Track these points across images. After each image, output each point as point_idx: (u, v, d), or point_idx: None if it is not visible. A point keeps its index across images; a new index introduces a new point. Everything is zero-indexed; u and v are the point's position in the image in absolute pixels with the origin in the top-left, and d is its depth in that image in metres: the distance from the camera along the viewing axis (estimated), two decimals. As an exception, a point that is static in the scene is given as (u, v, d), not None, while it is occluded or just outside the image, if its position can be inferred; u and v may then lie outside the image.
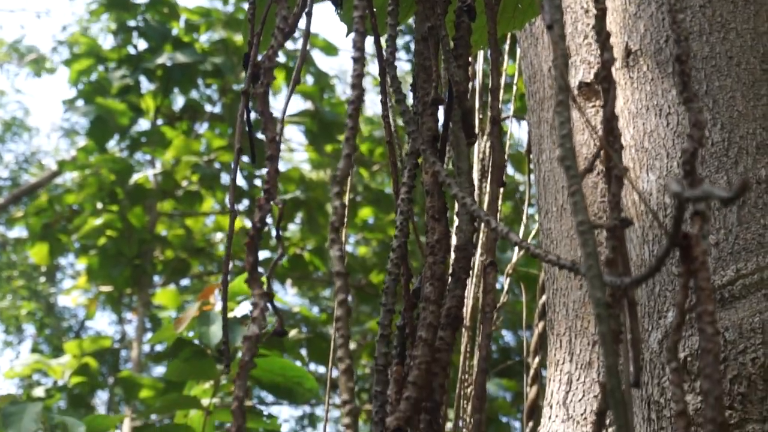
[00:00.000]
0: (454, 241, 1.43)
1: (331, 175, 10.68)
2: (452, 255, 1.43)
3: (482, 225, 1.70)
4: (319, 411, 12.11)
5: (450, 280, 1.41)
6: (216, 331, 4.10)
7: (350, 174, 1.73)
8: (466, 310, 3.04)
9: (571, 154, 1.02)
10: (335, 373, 10.24)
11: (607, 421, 2.49)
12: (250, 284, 1.11)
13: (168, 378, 4.25)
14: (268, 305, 1.09)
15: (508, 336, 11.68)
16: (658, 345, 2.13)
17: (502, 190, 1.56)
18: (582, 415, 2.50)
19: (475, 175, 3.22)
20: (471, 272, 1.42)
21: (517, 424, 10.83)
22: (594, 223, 1.15)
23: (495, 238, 1.40)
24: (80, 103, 10.79)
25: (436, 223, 1.42)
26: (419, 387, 1.32)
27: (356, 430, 0.97)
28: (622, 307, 1.14)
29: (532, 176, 3.93)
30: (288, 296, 12.53)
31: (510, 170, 9.04)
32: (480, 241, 2.66)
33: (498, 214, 1.43)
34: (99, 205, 10.34)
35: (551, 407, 2.60)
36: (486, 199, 2.53)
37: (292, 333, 5.76)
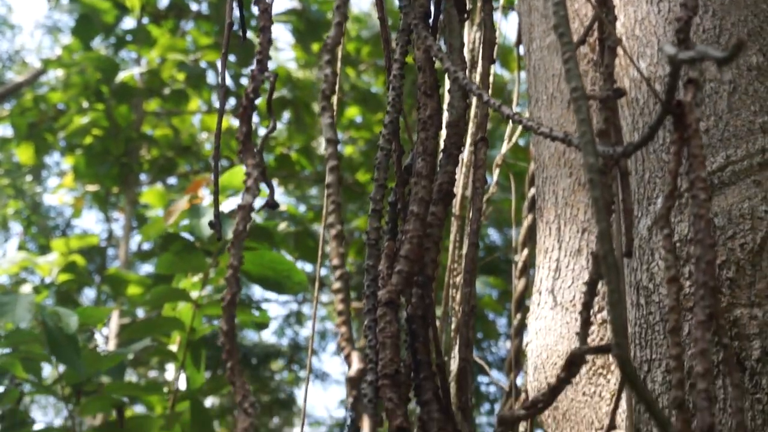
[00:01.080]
0: (446, 117, 1.43)
1: (318, 74, 10.61)
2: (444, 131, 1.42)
3: (474, 102, 1.70)
4: (306, 309, 12.17)
5: (442, 156, 1.41)
6: (206, 225, 4.10)
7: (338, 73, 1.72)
8: (455, 201, 3.04)
9: (564, 22, 1.02)
10: (323, 271, 10.26)
11: (596, 308, 2.50)
12: (243, 155, 1.11)
13: (158, 271, 4.26)
14: (261, 176, 1.09)
15: (494, 235, 11.72)
16: (648, 231, 2.14)
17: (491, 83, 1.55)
18: (571, 301, 2.51)
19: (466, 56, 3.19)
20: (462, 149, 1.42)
21: (503, 321, 10.92)
22: (588, 93, 1.15)
23: (486, 114, 1.39)
24: (65, 0, 10.66)
25: (428, 99, 1.41)
26: (411, 261, 1.32)
27: (347, 295, 0.97)
28: (614, 178, 1.14)
29: (522, 73, 3.91)
30: (275, 195, 12.51)
31: (497, 68, 8.98)
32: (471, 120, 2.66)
33: (489, 90, 1.42)
34: (85, 104, 10.27)
35: (540, 294, 2.61)
36: (477, 77, 2.51)
37: (281, 226, 5.77)
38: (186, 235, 4.21)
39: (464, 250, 3.02)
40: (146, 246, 10.61)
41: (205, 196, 4.44)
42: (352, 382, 0.92)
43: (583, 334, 1.12)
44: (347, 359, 0.92)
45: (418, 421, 1.33)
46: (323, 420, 13.73)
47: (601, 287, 2.47)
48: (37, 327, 3.70)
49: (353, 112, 11.10)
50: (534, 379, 2.56)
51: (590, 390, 2.45)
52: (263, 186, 1.34)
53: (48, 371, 4.22)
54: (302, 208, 11.26)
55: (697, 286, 0.98)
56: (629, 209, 1.13)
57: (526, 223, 3.78)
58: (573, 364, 1.10)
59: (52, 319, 3.60)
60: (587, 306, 1.14)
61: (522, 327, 3.74)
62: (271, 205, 1.32)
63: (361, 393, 1.10)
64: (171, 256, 4.11)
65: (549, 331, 2.54)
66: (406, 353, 1.36)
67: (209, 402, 10.13)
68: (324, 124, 1.03)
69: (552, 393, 1.14)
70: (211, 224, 1.31)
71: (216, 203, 1.31)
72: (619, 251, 1.12)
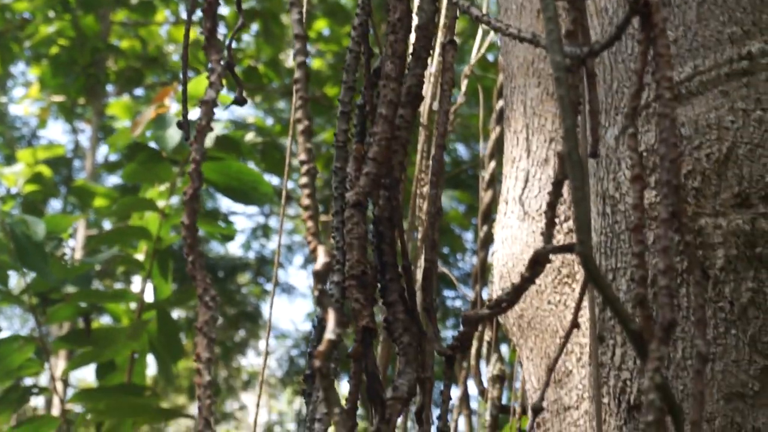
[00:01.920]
0: (415, 21, 1.42)
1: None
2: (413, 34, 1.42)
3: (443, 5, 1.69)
4: (273, 222, 12.18)
5: (411, 58, 1.41)
6: (172, 134, 4.08)
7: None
8: (423, 109, 3.04)
9: None
10: (290, 185, 10.25)
11: (561, 218, 2.52)
12: (207, 51, 1.10)
13: (124, 180, 4.25)
14: (227, 71, 1.08)
15: (461, 149, 11.73)
16: (615, 141, 2.15)
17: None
18: (537, 211, 2.52)
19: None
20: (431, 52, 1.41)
21: (469, 236, 10.97)
22: (556, -6, 1.14)
23: (455, 17, 1.39)
24: None
25: (397, 2, 1.41)
26: (379, 163, 1.32)
27: (314, 191, 0.97)
28: (581, 79, 1.14)
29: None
30: (242, 108, 12.48)
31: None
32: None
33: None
34: (51, 14, 10.15)
35: (507, 203, 2.62)
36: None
37: (248, 136, 5.75)
38: (152, 144, 4.19)
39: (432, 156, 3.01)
40: (113, 158, 10.56)
41: (172, 105, 4.41)
42: (318, 276, 0.92)
43: (548, 234, 1.13)
44: (313, 253, 0.93)
45: (383, 322, 1.34)
46: (289, 333, 13.82)
47: (567, 195, 2.49)
48: (3, 236, 3.69)
49: (321, 25, 11.02)
50: (499, 288, 2.58)
51: (555, 299, 2.47)
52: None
53: (15, 281, 4.22)
54: (270, 121, 11.22)
55: (661, 184, 0.99)
56: (595, 110, 1.13)
57: (493, 135, 3.78)
58: (537, 263, 1.11)
59: (19, 226, 3.60)
60: (552, 206, 1.14)
61: (488, 239, 3.76)
62: (239, 101, 1.31)
63: (326, 287, 1.11)
64: (137, 166, 4.10)
65: (515, 240, 2.56)
66: (373, 255, 1.37)
67: (175, 315, 10.16)
68: (293, 20, 1.03)
69: (516, 292, 1.15)
70: (179, 124, 1.31)
71: (184, 103, 1.31)
72: (585, 152, 1.12)
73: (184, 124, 1.30)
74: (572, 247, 1.01)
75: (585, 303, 2.43)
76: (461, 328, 1.27)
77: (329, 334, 0.90)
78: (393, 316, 1.31)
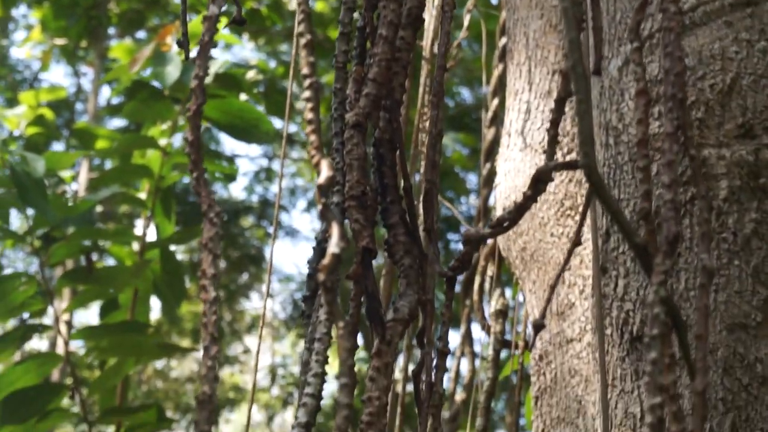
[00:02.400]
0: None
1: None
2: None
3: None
4: (276, 165, 12.15)
5: (411, -21, 1.38)
6: (172, 72, 4.06)
7: None
8: (425, 44, 3.02)
9: None
10: (292, 128, 10.22)
11: (564, 150, 2.51)
12: (208, -33, 1.08)
13: (124, 117, 4.23)
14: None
15: (465, 93, 11.69)
16: (618, 72, 2.13)
17: None
18: (540, 143, 2.51)
19: None
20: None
21: (472, 179, 10.95)
22: None
23: (458, -63, 1.37)
24: None
25: None
26: (379, 84, 1.31)
27: (317, 104, 0.96)
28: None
29: None
30: (245, 50, 12.43)
31: None
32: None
33: None
34: (51, -45, 10.09)
35: (509, 136, 2.61)
36: None
37: (250, 74, 5.72)
38: (154, 83, 4.16)
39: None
40: (115, 101, 10.53)
41: (173, 45, 4.38)
42: (322, 190, 0.91)
43: (551, 152, 1.11)
44: (316, 167, 0.92)
45: (384, 244, 1.33)
46: (293, 276, 13.85)
47: (570, 125, 2.48)
48: (3, 174, 3.68)
49: (324, -34, 10.96)
50: (502, 221, 2.57)
51: (558, 231, 2.46)
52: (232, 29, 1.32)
53: (18, 224, 4.20)
54: (272, 64, 11.18)
55: (666, 98, 0.97)
56: (599, 27, 1.12)
57: (496, 72, 3.76)
58: (539, 181, 1.10)
59: (19, 164, 3.58)
60: (555, 124, 1.13)
61: (491, 176, 3.74)
62: (238, 21, 1.30)
63: (330, 200, 1.10)
64: (138, 104, 4.08)
65: (518, 172, 2.55)
66: (374, 177, 1.36)
67: (179, 258, 10.14)
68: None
69: (518, 211, 1.14)
70: (179, 43, 1.29)
71: (183, 19, 1.29)
72: (588, 68, 1.11)
73: (184, 43, 1.28)
74: (576, 163, 1.00)
75: (588, 236, 2.42)
76: (463, 247, 1.26)
77: (333, 247, 0.89)
78: (394, 239, 1.30)
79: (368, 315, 1.27)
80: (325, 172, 0.91)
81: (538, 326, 1.15)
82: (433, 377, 1.30)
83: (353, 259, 1.26)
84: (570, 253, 1.14)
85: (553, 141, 1.12)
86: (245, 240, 11.28)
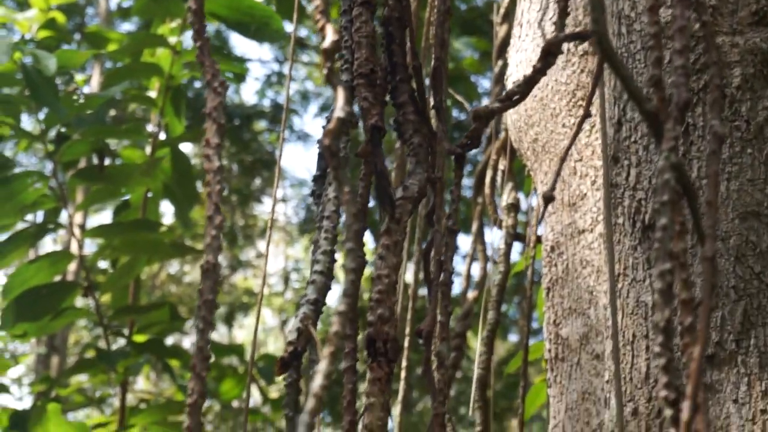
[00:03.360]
0: None
1: None
2: None
3: None
4: (288, 69, 12.02)
5: None
6: (182, -32, 4.02)
7: None
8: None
9: None
10: (303, 32, 10.14)
11: (579, 49, 2.48)
12: None
13: (134, 14, 4.20)
14: None
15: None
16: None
17: None
18: (552, 32, 2.48)
19: None
20: None
21: (485, 83, 10.88)
22: None
23: None
24: None
25: None
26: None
27: (327, 16, 0.94)
28: None
29: None
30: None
31: None
32: None
33: None
34: None
35: (521, 26, 2.58)
36: None
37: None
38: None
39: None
40: (126, 4, 10.44)
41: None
42: (327, 54, 0.90)
43: (560, 24, 1.10)
44: (322, 31, 0.90)
45: (393, 122, 1.32)
46: (305, 181, 13.84)
47: (582, 15, 2.45)
48: (15, 71, 3.67)
49: None
50: (514, 112, 2.55)
51: (570, 122, 2.44)
52: None
53: (30, 127, 4.20)
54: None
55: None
56: None
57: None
58: (549, 54, 1.08)
59: (31, 63, 3.57)
60: (566, -5, 1.11)
61: (503, 73, 3.71)
62: None
63: (335, 64, 1.08)
64: (149, 1, 4.04)
65: (530, 63, 2.52)
66: (383, 56, 1.34)
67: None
68: None
69: (527, 84, 1.13)
70: None
71: None
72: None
73: None
74: (586, 33, 0.98)
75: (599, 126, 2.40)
76: (472, 123, 1.25)
77: (338, 112, 0.88)
78: (403, 117, 1.29)
79: (377, 193, 1.26)
80: (330, 36, 0.90)
81: (548, 198, 1.14)
82: (443, 255, 1.30)
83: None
84: (579, 126, 1.13)
85: (563, 13, 1.10)
86: (258, 145, 11.25)
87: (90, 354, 4.44)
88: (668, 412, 0.95)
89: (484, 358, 2.97)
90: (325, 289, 1.19)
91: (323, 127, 1.32)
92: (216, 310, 1.04)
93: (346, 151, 1.24)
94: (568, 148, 1.13)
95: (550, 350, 2.39)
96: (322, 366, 0.87)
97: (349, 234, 0.90)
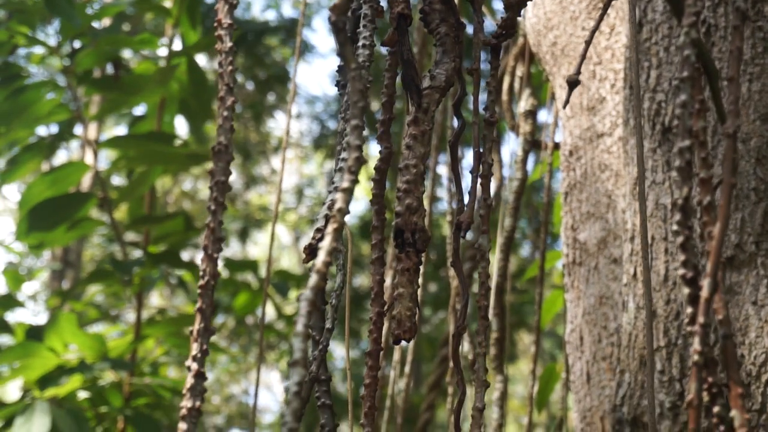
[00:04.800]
0: None
1: None
2: None
3: None
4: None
5: None
6: None
7: None
8: None
9: None
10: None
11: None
12: None
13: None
14: None
15: None
16: None
17: None
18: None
19: None
20: None
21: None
22: None
23: None
24: None
25: None
26: None
27: None
28: None
29: None
30: None
31: None
32: None
33: None
34: None
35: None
36: None
37: None
38: None
39: None
40: None
41: None
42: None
43: None
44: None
45: (420, 12, 1.31)
46: (318, 97, 13.80)
47: None
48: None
49: None
50: (533, 15, 2.54)
51: (589, 25, 2.43)
52: None
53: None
54: None
55: None
56: None
57: None
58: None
59: (43, -30, 3.55)
60: None
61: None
62: None
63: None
64: None
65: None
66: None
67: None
68: None
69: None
70: None
71: None
72: None
73: None
74: None
75: (621, 29, 2.39)
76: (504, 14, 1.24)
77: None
78: (429, 7, 1.28)
79: (404, 83, 1.26)
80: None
81: (573, 82, 1.13)
82: (481, 147, 1.29)
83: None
84: (598, 23, 1.11)
85: None
86: (271, 60, 11.18)
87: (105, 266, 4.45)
88: (686, 291, 0.95)
89: (502, 265, 2.97)
90: (356, 175, 1.19)
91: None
92: (228, 191, 1.04)
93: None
94: (587, 46, 1.12)
95: (567, 255, 2.39)
96: (326, 242, 0.87)
97: (354, 111, 0.89)
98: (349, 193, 0.90)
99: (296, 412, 0.79)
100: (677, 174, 0.93)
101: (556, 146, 3.08)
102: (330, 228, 0.86)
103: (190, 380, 0.99)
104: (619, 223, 2.23)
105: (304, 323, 0.82)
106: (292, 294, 5.17)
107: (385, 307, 1.26)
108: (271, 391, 15.59)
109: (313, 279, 0.86)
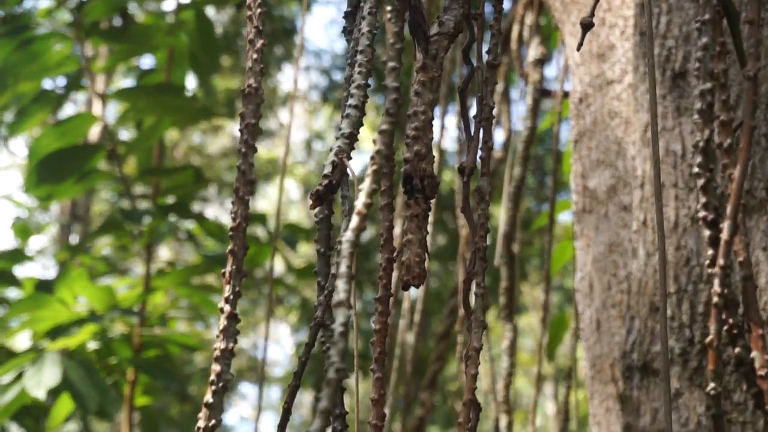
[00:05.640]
0: None
1: None
2: None
3: None
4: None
5: None
6: None
7: None
8: None
9: None
10: None
11: None
12: None
13: None
14: None
15: None
16: None
17: None
18: None
19: None
20: None
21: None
22: None
23: None
24: None
25: None
26: None
27: None
28: None
29: None
30: None
31: None
32: None
33: None
34: None
35: None
36: None
37: None
38: None
39: None
40: None
41: None
42: None
43: None
44: None
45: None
46: (326, 50, 13.75)
47: None
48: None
49: None
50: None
51: (599, -29, 2.41)
52: None
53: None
54: None
55: None
56: None
57: None
58: None
59: None
60: None
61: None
62: None
63: None
64: None
65: None
66: None
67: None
68: None
69: None
70: None
71: None
72: None
73: None
74: None
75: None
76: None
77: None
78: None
79: (412, 29, 1.25)
80: None
81: (587, 25, 1.12)
82: (483, 90, 1.29)
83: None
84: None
85: None
86: (278, 12, 11.14)
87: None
88: (707, 233, 0.95)
89: (511, 214, 2.97)
90: (359, 123, 1.18)
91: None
92: (259, 133, 1.05)
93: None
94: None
95: (577, 203, 2.39)
96: (366, 184, 0.87)
97: (392, 53, 0.89)
98: (388, 135, 0.90)
99: (341, 352, 0.80)
100: (698, 116, 0.93)
101: (566, 95, 3.07)
102: (370, 170, 0.86)
103: (223, 321, 1.02)
104: (629, 171, 2.22)
105: (347, 264, 0.83)
106: (301, 248, 5.17)
107: (395, 254, 1.25)
108: (280, 344, 15.66)
109: (354, 220, 0.86)
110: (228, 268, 1.05)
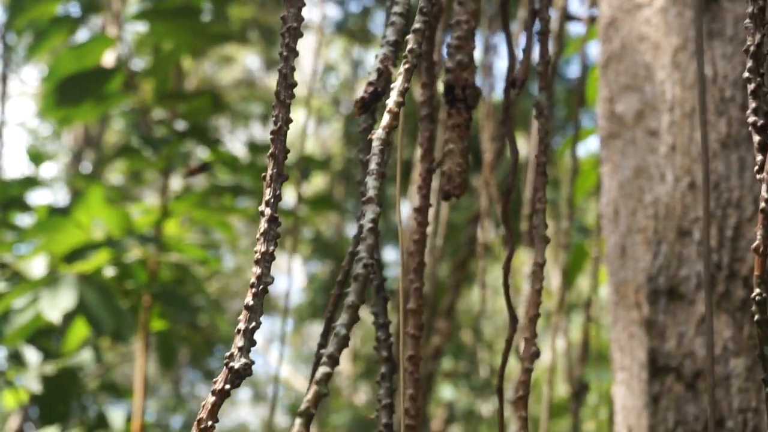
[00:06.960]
0: None
1: None
2: None
3: None
4: None
5: None
6: None
7: None
8: None
9: None
10: None
11: None
12: None
13: None
14: None
15: None
16: None
17: None
18: None
19: None
20: None
21: None
22: None
23: None
24: None
25: None
26: None
27: None
28: None
29: None
30: None
31: None
32: None
33: None
34: None
35: None
36: None
37: None
38: None
39: None
40: None
41: None
42: None
43: None
44: None
45: None
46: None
47: None
48: None
49: None
50: None
51: None
52: None
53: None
54: None
55: None
56: None
57: None
58: None
59: None
60: None
61: None
62: None
63: None
64: None
65: None
66: None
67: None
68: None
69: None
70: None
71: None
72: None
73: None
74: None
75: None
76: None
77: None
78: None
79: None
80: None
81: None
82: (537, 3, 1.27)
83: None
84: None
85: None
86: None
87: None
88: (756, 138, 0.94)
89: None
90: (404, 30, 1.17)
91: None
92: (300, 37, 1.04)
93: None
94: None
95: (603, 128, 2.37)
96: (398, 82, 0.86)
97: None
98: (421, 34, 0.88)
99: (370, 248, 0.79)
100: (749, 20, 0.91)
101: (592, 19, 3.04)
102: (402, 68, 0.85)
103: (263, 225, 1.01)
104: (658, 95, 2.20)
105: (377, 162, 0.82)
106: (315, 180, 5.15)
107: (434, 164, 1.24)
108: (291, 276, 15.69)
109: (386, 118, 0.85)
110: (269, 172, 1.04)
